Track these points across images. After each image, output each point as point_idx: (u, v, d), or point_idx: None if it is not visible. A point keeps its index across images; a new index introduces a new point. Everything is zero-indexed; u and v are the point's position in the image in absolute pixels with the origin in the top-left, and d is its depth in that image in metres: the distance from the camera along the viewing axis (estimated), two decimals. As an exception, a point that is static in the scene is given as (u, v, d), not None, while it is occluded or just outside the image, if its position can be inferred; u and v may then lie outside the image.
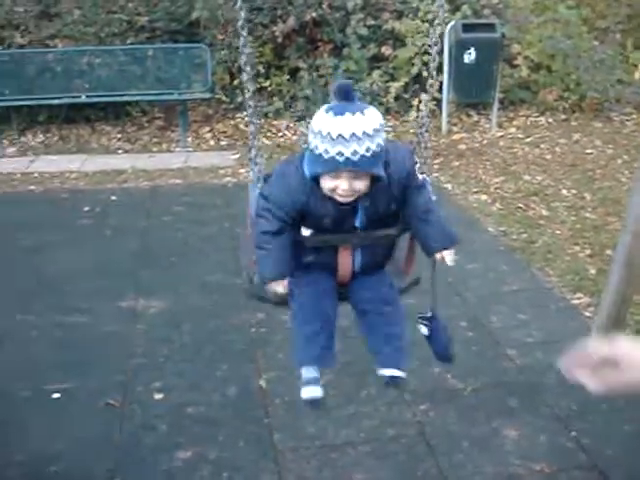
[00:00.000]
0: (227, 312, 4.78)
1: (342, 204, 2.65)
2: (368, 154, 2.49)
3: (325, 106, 2.57)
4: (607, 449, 3.39)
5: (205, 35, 9.86)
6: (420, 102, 9.09)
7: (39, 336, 4.52)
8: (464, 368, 4.03)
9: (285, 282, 2.81)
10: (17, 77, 9.05)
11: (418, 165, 2.94)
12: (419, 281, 3.15)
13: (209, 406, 3.81)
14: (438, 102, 9.07)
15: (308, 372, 2.86)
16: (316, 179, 2.63)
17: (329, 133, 2.48)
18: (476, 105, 9.92)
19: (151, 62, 9.29)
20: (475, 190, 7.34)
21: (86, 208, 6.90)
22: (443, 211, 2.92)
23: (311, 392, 2.84)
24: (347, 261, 2.88)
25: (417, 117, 3.53)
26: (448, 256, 2.80)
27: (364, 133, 2.49)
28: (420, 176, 2.88)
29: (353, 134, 2.47)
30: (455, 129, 9.49)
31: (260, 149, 3.22)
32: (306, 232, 2.82)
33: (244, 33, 3.05)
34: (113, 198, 7.25)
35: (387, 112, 9.50)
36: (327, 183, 2.59)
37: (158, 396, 3.90)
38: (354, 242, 2.85)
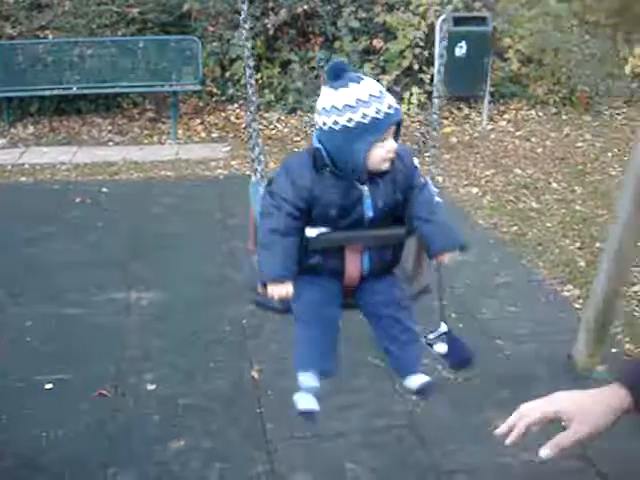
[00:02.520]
0: (219, 303, 4.80)
1: (349, 189, 2.61)
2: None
3: (331, 87, 2.55)
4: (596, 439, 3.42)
5: (196, 27, 9.86)
6: (412, 95, 9.12)
7: (32, 327, 4.52)
8: (455, 359, 4.06)
9: (290, 285, 2.62)
10: (7, 68, 9.03)
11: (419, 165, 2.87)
12: (429, 288, 3.02)
13: (201, 397, 3.83)
14: (429, 95, 9.10)
15: (306, 379, 2.70)
16: (329, 164, 2.59)
17: (370, 94, 2.50)
18: (467, 98, 9.94)
19: (142, 54, 9.28)
20: (466, 183, 7.36)
21: (77, 200, 6.90)
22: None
23: (306, 403, 2.68)
24: (355, 263, 2.75)
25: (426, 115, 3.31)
26: (447, 258, 2.69)
27: (383, 88, 2.56)
28: (422, 178, 2.82)
29: (381, 91, 2.53)
30: (446, 122, 9.51)
31: (263, 148, 3.13)
32: (312, 232, 2.67)
33: (246, 27, 3.05)
34: (104, 190, 7.24)
35: (378, 105, 9.51)
36: (378, 151, 2.55)
37: (151, 387, 3.91)
38: (362, 240, 2.72)
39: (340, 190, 2.61)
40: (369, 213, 2.66)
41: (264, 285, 2.65)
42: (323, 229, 2.67)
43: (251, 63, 3.09)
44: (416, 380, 2.74)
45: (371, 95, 2.49)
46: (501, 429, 1.57)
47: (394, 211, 2.72)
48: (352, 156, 2.54)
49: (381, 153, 2.55)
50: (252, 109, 3.11)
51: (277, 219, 2.60)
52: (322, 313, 2.73)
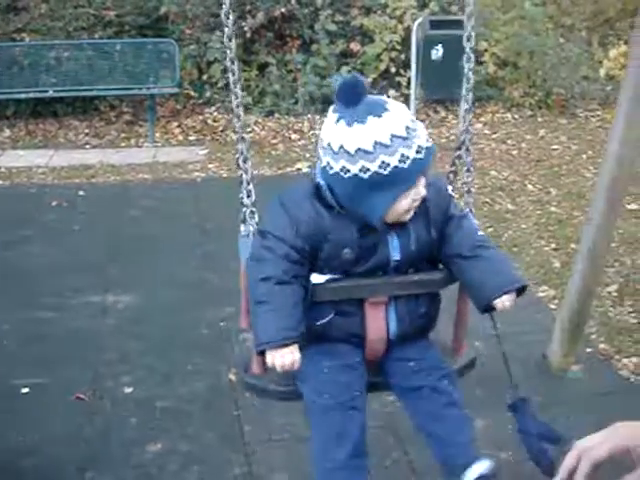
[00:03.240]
0: (196, 306, 4.79)
1: (370, 229, 2.05)
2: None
3: (341, 117, 1.98)
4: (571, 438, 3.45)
5: (173, 30, 9.85)
6: (388, 98, 9.16)
7: (9, 331, 4.49)
8: (432, 360, 4.08)
9: (296, 349, 2.00)
10: (-17, 71, 8.98)
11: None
12: (475, 362, 2.59)
13: (179, 400, 3.82)
14: (406, 98, 9.14)
15: None
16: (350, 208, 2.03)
17: (394, 135, 1.94)
18: (443, 101, 9.99)
19: (119, 57, 9.26)
20: (442, 185, 7.39)
21: (54, 203, 6.86)
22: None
23: None
24: (378, 322, 2.14)
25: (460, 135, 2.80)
26: (507, 302, 2.15)
27: (412, 122, 2.04)
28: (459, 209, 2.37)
29: (408, 128, 1.99)
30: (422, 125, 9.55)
31: (253, 177, 2.37)
32: (319, 279, 2.09)
33: (229, 22, 2.29)
34: (81, 193, 7.21)
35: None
36: (402, 204, 2.02)
37: (128, 390, 3.91)
38: (386, 290, 2.12)
39: (356, 225, 2.06)
40: (395, 255, 2.12)
41: (261, 353, 2.04)
42: (334, 276, 2.11)
43: (239, 100, 2.36)
44: (476, 470, 2.15)
45: (394, 136, 1.93)
46: (561, 476, 1.27)
47: (426, 253, 2.20)
48: (366, 211, 2.01)
49: (405, 205, 2.02)
50: (239, 125, 2.38)
51: (271, 264, 2.02)
52: (343, 397, 2.12)
